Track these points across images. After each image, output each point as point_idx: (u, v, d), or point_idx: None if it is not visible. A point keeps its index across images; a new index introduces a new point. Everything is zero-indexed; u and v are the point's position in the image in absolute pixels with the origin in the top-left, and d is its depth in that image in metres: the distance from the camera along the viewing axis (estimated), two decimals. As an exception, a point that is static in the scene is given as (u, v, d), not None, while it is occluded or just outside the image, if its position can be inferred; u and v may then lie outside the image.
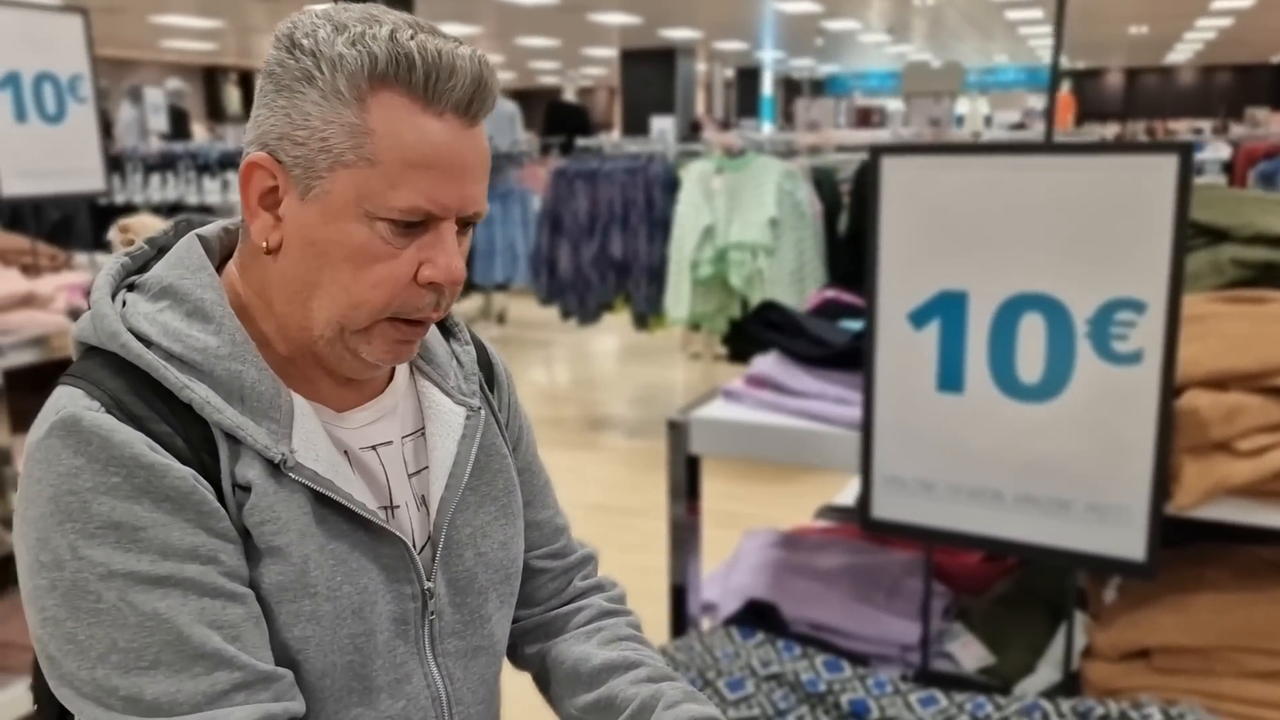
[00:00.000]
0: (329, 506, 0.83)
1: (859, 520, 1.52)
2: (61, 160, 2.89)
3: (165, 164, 6.16)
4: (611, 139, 8.77)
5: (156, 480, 0.75)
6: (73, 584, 0.74)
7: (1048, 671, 1.58)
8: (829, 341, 1.63)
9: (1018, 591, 1.73)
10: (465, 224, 0.83)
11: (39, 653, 0.77)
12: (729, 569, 1.85)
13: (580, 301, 4.99)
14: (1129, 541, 1.34)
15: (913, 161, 1.40)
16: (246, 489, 0.79)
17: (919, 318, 1.43)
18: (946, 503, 1.45)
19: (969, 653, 1.64)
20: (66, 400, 0.77)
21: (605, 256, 4.87)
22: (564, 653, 1.02)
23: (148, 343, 0.80)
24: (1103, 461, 1.34)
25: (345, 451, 0.87)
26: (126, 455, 0.74)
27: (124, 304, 0.83)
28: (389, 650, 0.87)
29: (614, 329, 6.72)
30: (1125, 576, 1.49)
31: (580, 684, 0.99)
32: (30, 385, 2.51)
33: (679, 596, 1.68)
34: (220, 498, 0.79)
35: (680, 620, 1.69)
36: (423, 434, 0.93)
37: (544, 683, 1.05)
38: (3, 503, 2.43)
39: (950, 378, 1.42)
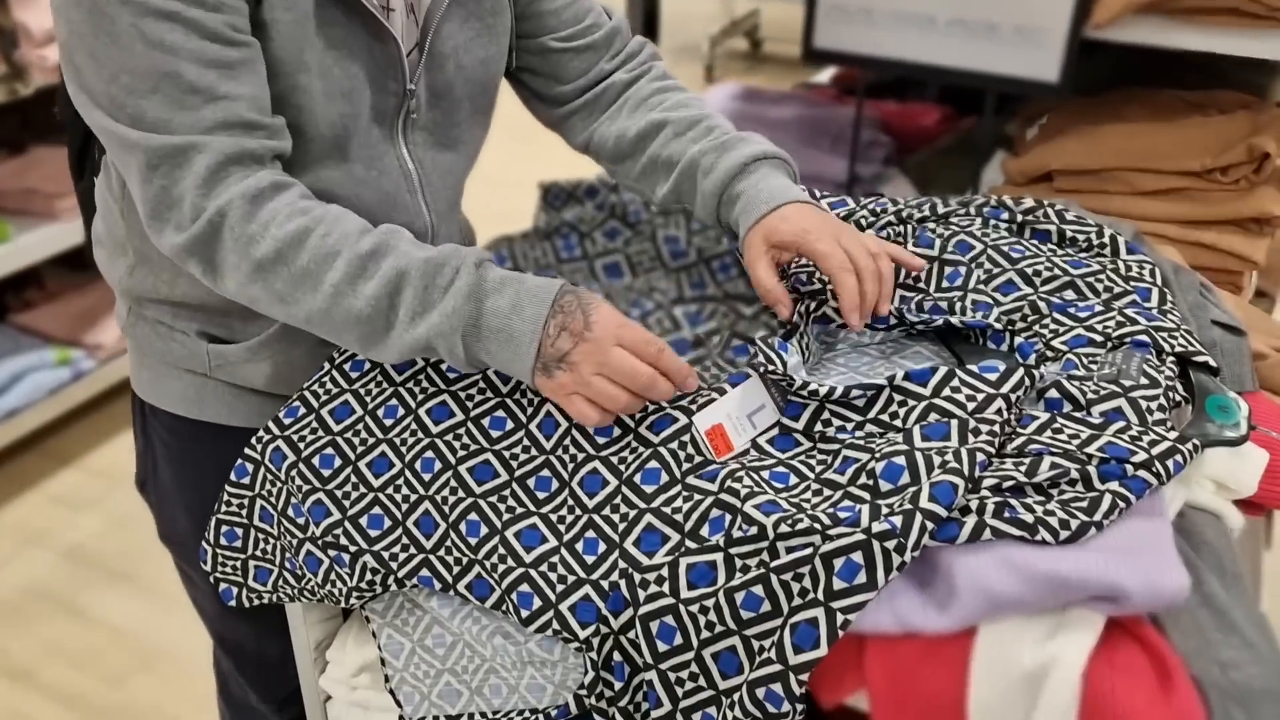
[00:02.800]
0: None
1: (803, 52, 1.59)
2: None
3: None
4: None
5: None
6: (94, 3, 0.80)
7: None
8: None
9: (955, 143, 1.83)
10: None
11: (63, 60, 0.86)
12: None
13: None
14: (1046, 63, 1.41)
15: None
16: None
17: None
18: (884, 30, 1.51)
19: (898, 193, 1.77)
20: None
21: None
22: (604, 134, 1.12)
23: None
24: (1033, -17, 1.38)
25: None
26: None
27: None
28: (367, 132, 0.97)
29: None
30: (1038, 97, 1.58)
31: (626, 160, 1.11)
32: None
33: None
34: None
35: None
36: None
37: (605, 162, 1.16)
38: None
39: (898, -103, 1.43)
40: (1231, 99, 1.48)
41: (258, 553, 1.04)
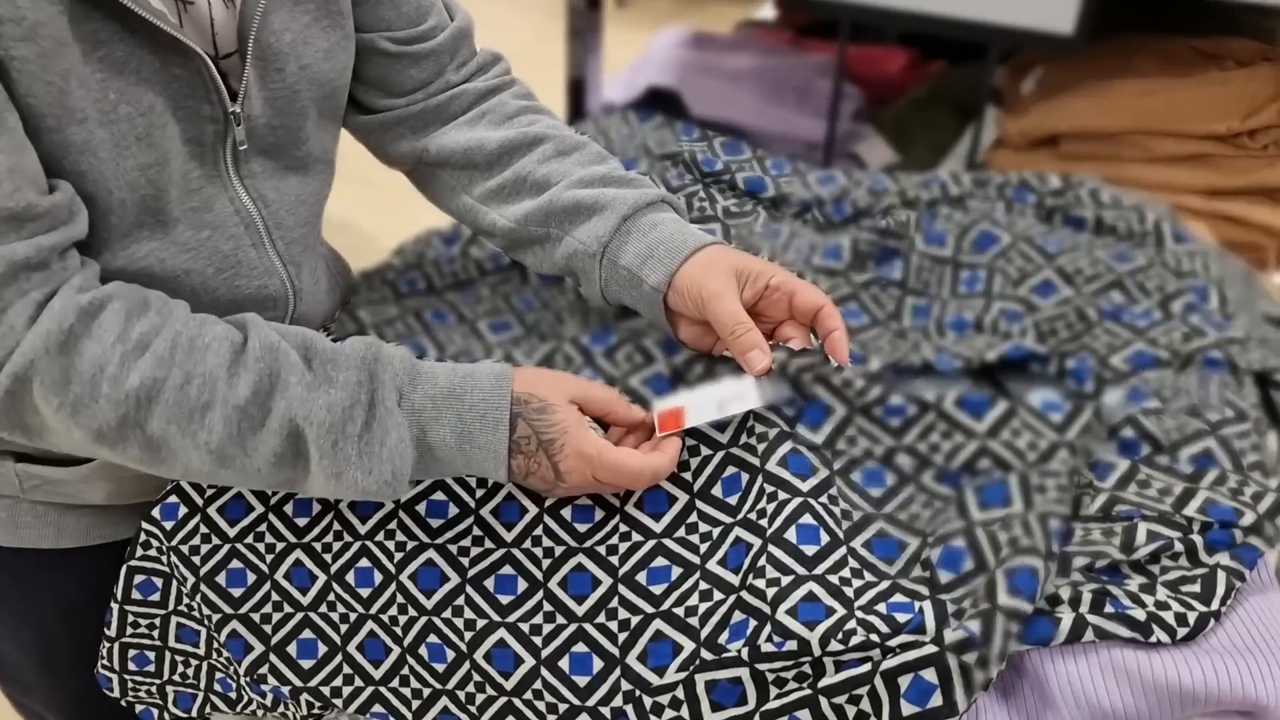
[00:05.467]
0: (92, 4, 0.64)
1: (772, -3, 1.38)
2: None
3: None
4: None
5: None
6: None
7: (952, 165, 1.54)
8: None
9: (931, 94, 1.65)
10: None
11: None
12: (635, 68, 1.72)
13: None
14: (1058, 12, 1.23)
15: None
16: None
17: None
18: (868, -28, 1.31)
19: (875, 153, 1.59)
20: None
21: None
22: (448, 143, 0.89)
23: None
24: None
25: None
26: None
27: None
28: (183, 177, 0.73)
29: None
30: (1051, 51, 1.41)
31: (477, 172, 0.88)
32: None
33: (576, 91, 1.57)
34: None
35: (578, 117, 1.60)
36: None
37: (425, 179, 0.93)
38: None
39: None
40: (1250, 49, 1.33)
41: (176, 677, 0.82)
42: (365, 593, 0.73)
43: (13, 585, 0.86)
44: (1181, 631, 0.66)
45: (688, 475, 0.75)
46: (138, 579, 0.77)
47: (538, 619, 0.71)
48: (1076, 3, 1.21)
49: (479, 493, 0.75)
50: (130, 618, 0.79)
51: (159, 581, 0.77)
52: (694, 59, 1.67)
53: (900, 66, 1.71)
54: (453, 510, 0.74)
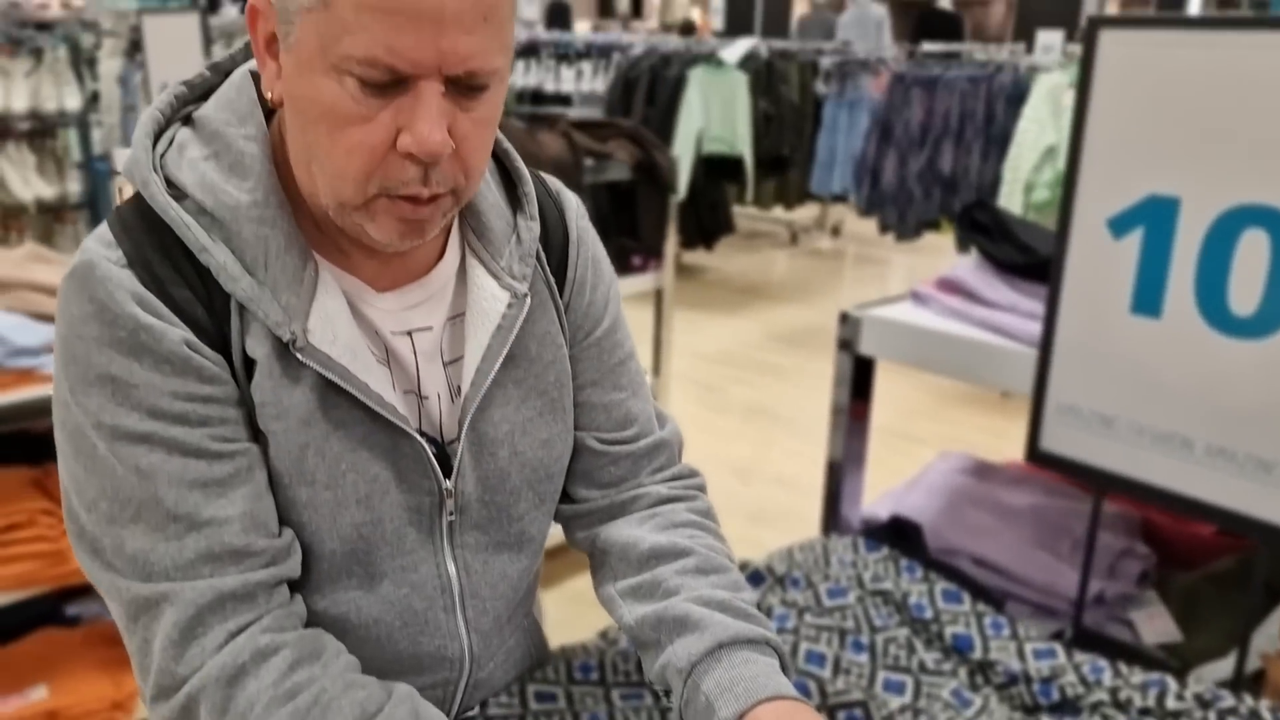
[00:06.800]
0: (342, 394, 0.77)
1: (1026, 451, 1.35)
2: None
3: (529, 51, 6.60)
4: (990, 49, 8.13)
5: (156, 342, 0.72)
6: (75, 426, 0.74)
7: (1230, 664, 1.33)
8: (1034, 248, 1.44)
9: (1237, 571, 1.46)
10: (467, 87, 0.71)
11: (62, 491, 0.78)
12: (909, 486, 1.72)
13: (900, 216, 4.76)
14: (1340, 523, 1.08)
15: (1136, 36, 1.17)
16: (254, 364, 0.76)
17: (1120, 225, 1.21)
18: (1126, 444, 1.25)
19: (1153, 625, 1.42)
20: (95, 242, 0.76)
21: (933, 170, 4.59)
22: (614, 536, 0.95)
23: (183, 194, 0.76)
24: (1326, 422, 1.09)
25: (377, 333, 0.82)
26: (127, 314, 0.72)
27: (172, 142, 0.79)
28: (398, 538, 0.83)
29: (953, 252, 6.36)
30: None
31: (628, 568, 0.93)
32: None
33: (832, 499, 1.60)
34: (232, 367, 0.76)
35: (833, 526, 1.62)
36: (464, 319, 0.86)
37: (594, 566, 0.99)
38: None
39: (1148, 298, 1.20)
40: None
41: None
42: None
43: None
44: None
45: None
46: None
47: None
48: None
49: None
50: None
51: None
52: (970, 487, 1.64)
53: (1211, 531, 1.55)
54: None
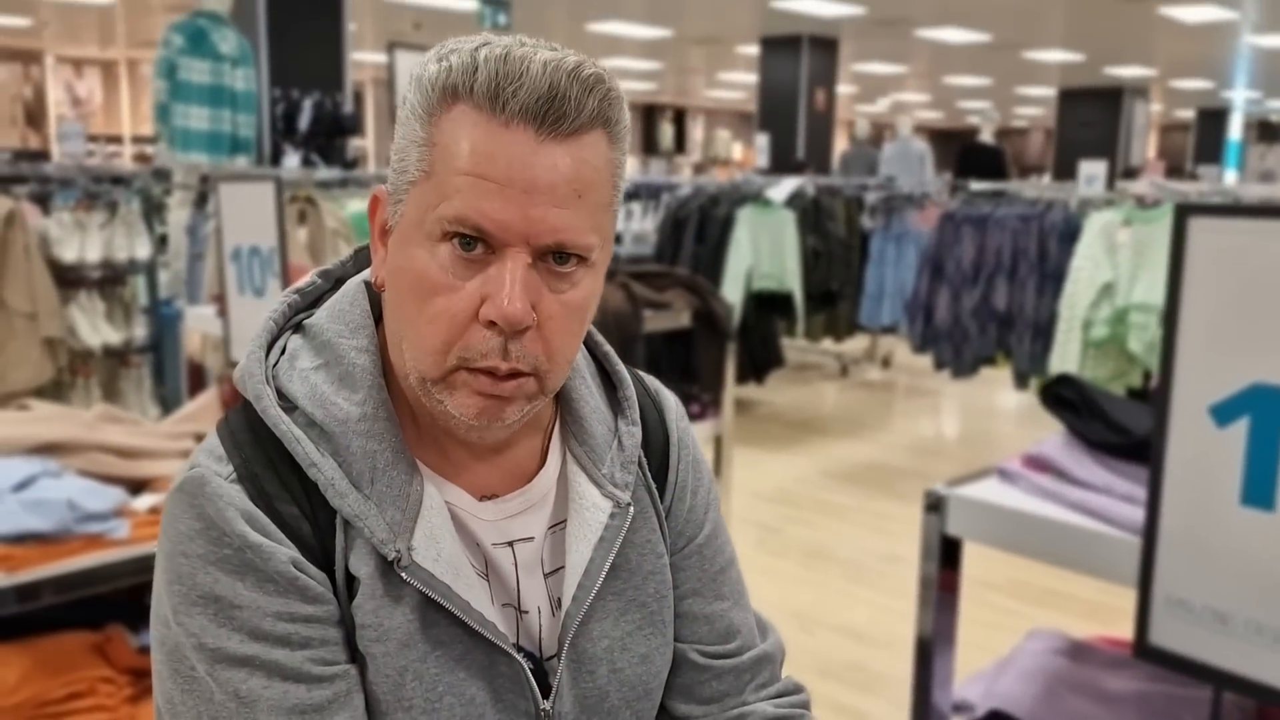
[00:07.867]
0: (441, 611, 0.76)
1: (1134, 646, 1.28)
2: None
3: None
4: (1040, 183, 8.22)
5: (263, 561, 0.72)
6: (174, 645, 0.73)
7: None
8: (1129, 428, 1.40)
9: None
10: (557, 264, 0.72)
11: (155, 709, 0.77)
12: (1000, 669, 1.64)
13: (956, 353, 4.72)
14: None
15: (1229, 225, 1.16)
16: (356, 581, 0.75)
17: (1223, 413, 1.17)
18: (1244, 641, 1.18)
19: (1280, 834, 1.32)
20: (204, 457, 0.76)
21: (987, 307, 4.57)
22: None
23: (293, 405, 0.77)
24: None
25: (478, 544, 0.81)
26: (236, 532, 0.72)
27: (284, 351, 0.80)
28: None
29: (1007, 385, 6.29)
30: None
31: None
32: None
33: (923, 682, 1.52)
34: (334, 585, 0.75)
35: (923, 713, 1.54)
36: (565, 528, 0.84)
37: None
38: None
39: (1259, 490, 1.15)
40: None
41: None
42: None
43: None
44: None
45: None
46: None
47: None
48: None
49: None
50: None
51: None
52: (1066, 671, 1.56)
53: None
54: None
